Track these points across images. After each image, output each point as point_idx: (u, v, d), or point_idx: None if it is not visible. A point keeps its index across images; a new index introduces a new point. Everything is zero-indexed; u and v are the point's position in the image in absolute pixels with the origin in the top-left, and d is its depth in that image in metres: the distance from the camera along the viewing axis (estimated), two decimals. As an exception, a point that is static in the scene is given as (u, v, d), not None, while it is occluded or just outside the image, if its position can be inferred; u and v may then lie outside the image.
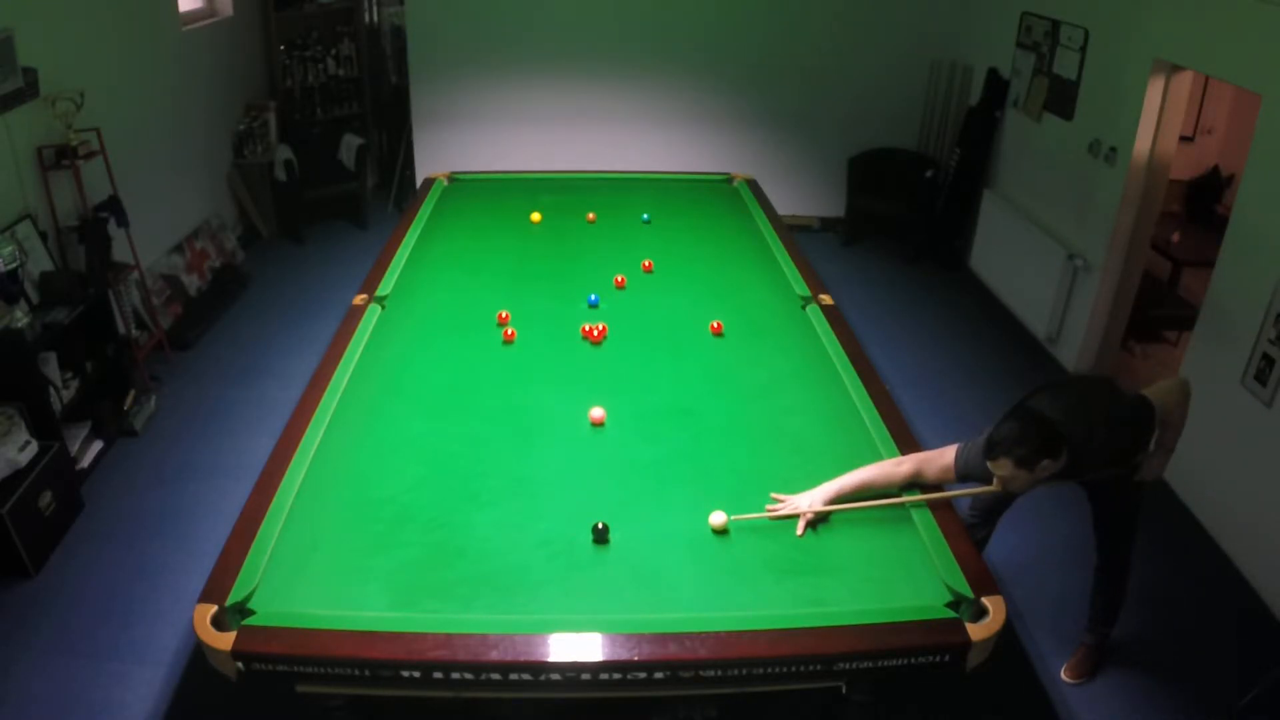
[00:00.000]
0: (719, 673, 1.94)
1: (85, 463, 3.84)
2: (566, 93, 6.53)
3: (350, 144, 6.69)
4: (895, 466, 2.42)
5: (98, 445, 3.95)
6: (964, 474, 2.42)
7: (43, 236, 3.95)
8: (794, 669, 1.94)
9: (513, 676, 1.92)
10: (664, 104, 6.56)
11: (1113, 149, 4.53)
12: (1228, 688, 2.95)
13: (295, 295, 5.62)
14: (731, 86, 6.52)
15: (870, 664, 1.95)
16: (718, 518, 2.30)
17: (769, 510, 2.33)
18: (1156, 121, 4.30)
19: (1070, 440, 2.30)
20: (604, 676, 1.92)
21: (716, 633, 1.95)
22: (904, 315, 5.56)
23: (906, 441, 2.67)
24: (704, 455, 2.62)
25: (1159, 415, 2.50)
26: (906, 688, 2.84)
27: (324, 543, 2.24)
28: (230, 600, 2.01)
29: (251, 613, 2.00)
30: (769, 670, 1.95)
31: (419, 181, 6.31)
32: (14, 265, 3.53)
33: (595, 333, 3.25)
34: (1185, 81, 4.23)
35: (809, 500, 2.33)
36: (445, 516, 2.34)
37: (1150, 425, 2.50)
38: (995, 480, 2.31)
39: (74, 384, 3.86)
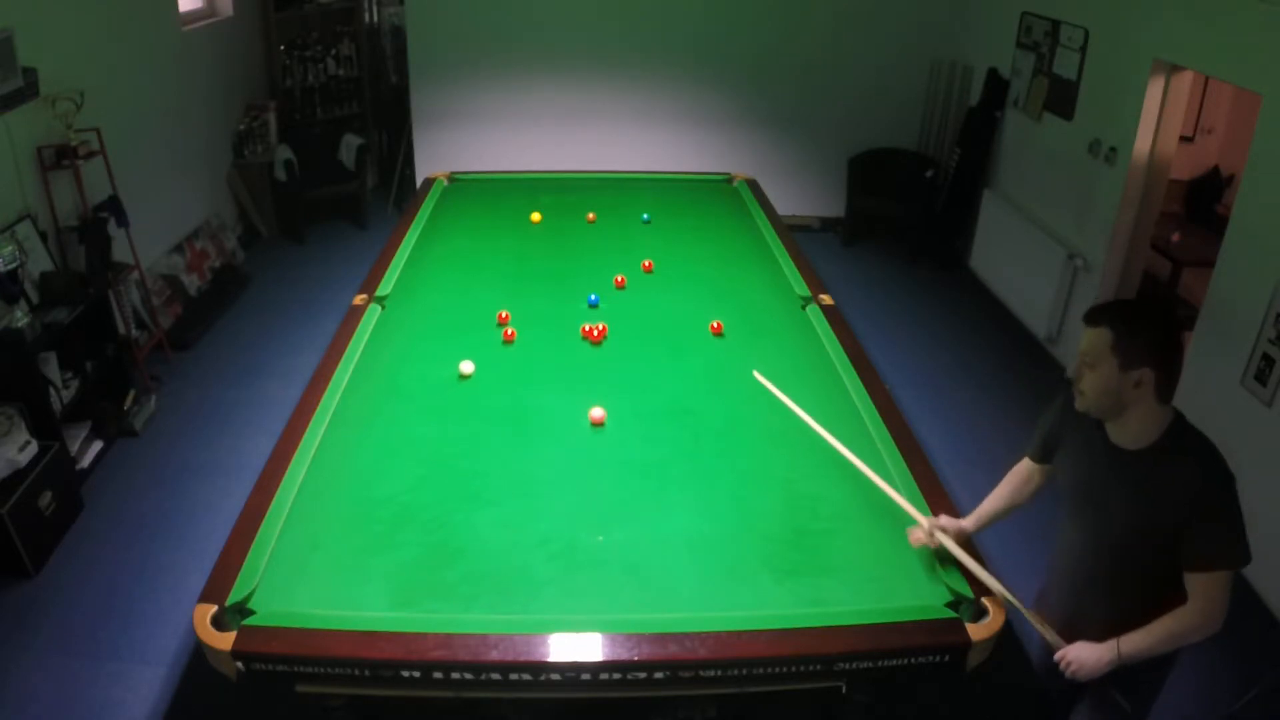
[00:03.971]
0: (719, 673, 1.94)
1: (85, 463, 3.84)
2: (566, 93, 6.53)
3: (350, 144, 6.70)
4: (1013, 478, 2.17)
5: (98, 445, 3.95)
6: (1036, 442, 2.08)
7: (43, 236, 3.95)
8: (794, 669, 1.94)
9: (513, 676, 1.92)
10: (664, 104, 6.56)
11: (1113, 149, 4.53)
12: (1227, 688, 2.95)
13: (295, 295, 5.62)
14: (732, 86, 6.52)
15: (870, 664, 1.95)
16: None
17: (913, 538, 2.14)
18: (1156, 121, 4.30)
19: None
20: (604, 676, 1.92)
21: (716, 633, 1.95)
22: (904, 315, 5.56)
23: (907, 441, 2.67)
24: (704, 455, 2.62)
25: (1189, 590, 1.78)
26: (906, 688, 2.84)
27: (324, 543, 2.24)
28: (230, 600, 2.01)
29: (251, 613, 2.00)
30: (769, 670, 1.95)
31: (419, 181, 6.31)
32: (14, 265, 3.52)
33: (595, 333, 3.25)
34: (1185, 81, 4.23)
35: (943, 526, 2.12)
36: (445, 516, 2.34)
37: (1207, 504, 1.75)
38: (1076, 363, 1.79)
39: (74, 384, 3.85)
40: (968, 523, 2.17)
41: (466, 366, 3.02)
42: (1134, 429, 1.79)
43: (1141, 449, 1.79)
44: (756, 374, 2.46)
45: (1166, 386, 1.73)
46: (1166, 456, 1.76)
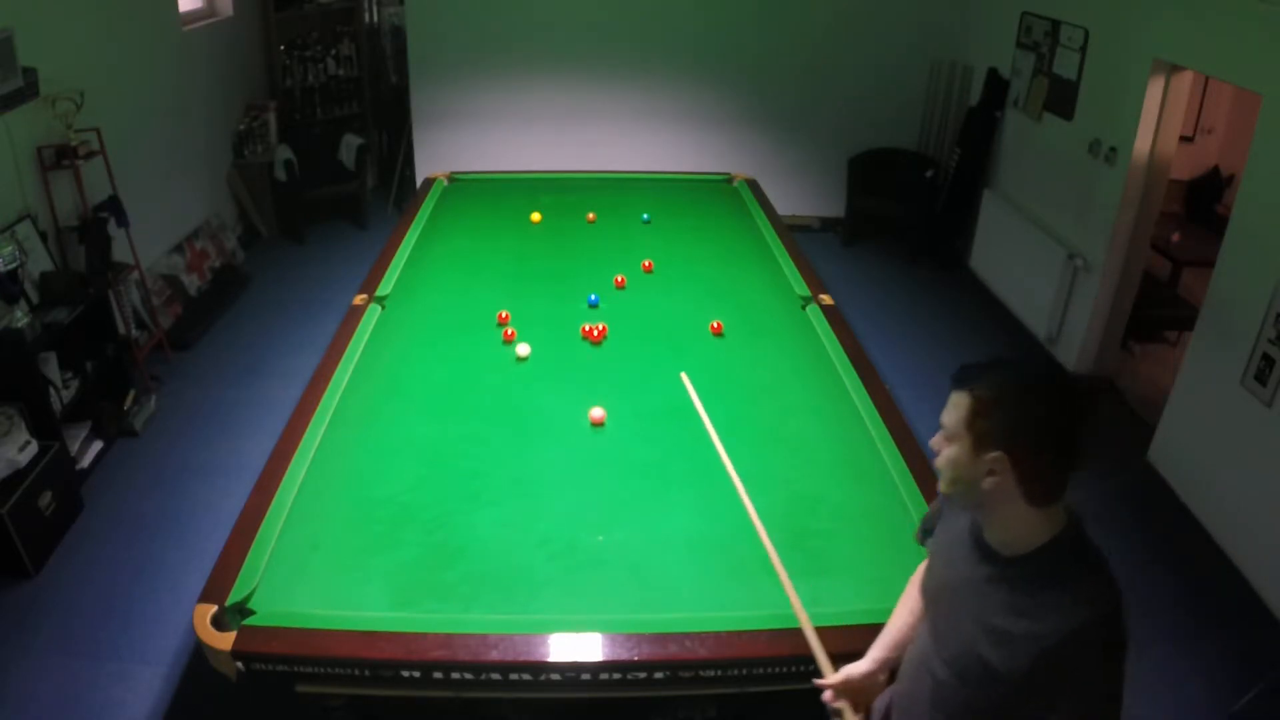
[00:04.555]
0: (719, 673, 1.94)
1: (85, 463, 3.84)
2: (567, 92, 6.53)
3: (350, 144, 6.70)
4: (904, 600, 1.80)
5: (98, 445, 3.95)
6: (925, 523, 1.83)
7: (43, 236, 3.95)
8: (794, 669, 1.94)
9: (513, 676, 1.92)
10: (664, 104, 6.56)
11: (1113, 149, 4.53)
12: (1227, 688, 2.95)
13: (295, 295, 5.62)
14: (732, 86, 6.52)
15: (870, 664, 1.95)
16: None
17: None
18: (1156, 121, 4.30)
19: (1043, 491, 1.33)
20: (604, 676, 1.92)
21: (716, 633, 1.95)
22: (904, 315, 5.56)
23: (906, 441, 2.67)
24: (704, 455, 2.62)
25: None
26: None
27: (324, 543, 2.24)
28: (230, 600, 2.01)
29: (251, 613, 2.00)
30: (769, 670, 1.95)
31: (419, 181, 6.31)
32: (14, 265, 3.53)
33: (595, 333, 3.25)
34: (1185, 81, 4.23)
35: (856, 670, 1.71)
36: (445, 516, 2.34)
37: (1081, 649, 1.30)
38: (938, 436, 1.43)
39: (74, 384, 3.85)
40: (867, 664, 1.72)
41: (523, 349, 3.14)
42: (1005, 530, 1.38)
43: (1015, 556, 1.37)
44: (684, 376, 2.35)
45: (1035, 486, 1.31)
46: (1042, 577, 1.34)
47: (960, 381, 1.37)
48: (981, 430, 1.32)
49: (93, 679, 2.87)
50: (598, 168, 5.73)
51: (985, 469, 1.32)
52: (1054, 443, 1.29)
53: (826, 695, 1.66)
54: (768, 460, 2.59)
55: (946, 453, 1.38)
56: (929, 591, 1.58)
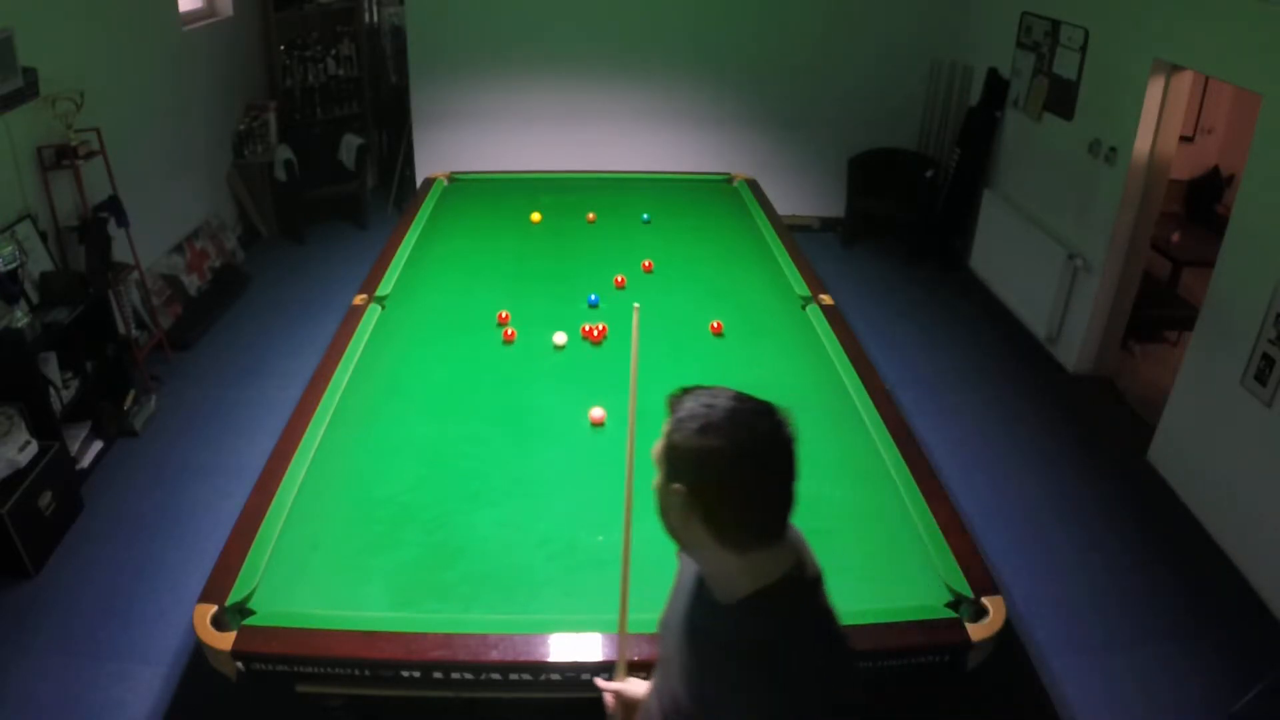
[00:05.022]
0: (719, 673, 1.94)
1: (85, 463, 3.84)
2: (567, 92, 6.53)
3: (350, 144, 6.70)
4: None
5: (98, 445, 3.95)
6: None
7: (43, 236, 3.95)
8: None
9: (513, 676, 1.92)
10: (665, 104, 6.56)
11: (1113, 149, 4.53)
12: (1226, 688, 2.95)
13: (295, 295, 5.62)
14: (732, 86, 6.52)
15: (870, 664, 1.95)
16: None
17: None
18: (1156, 121, 4.30)
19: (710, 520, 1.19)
20: (604, 676, 1.92)
21: (716, 633, 1.95)
22: (904, 315, 5.56)
23: (906, 441, 2.67)
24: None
25: None
26: (907, 688, 2.84)
27: (324, 543, 2.24)
28: (230, 600, 2.01)
29: (251, 613, 2.00)
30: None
31: (419, 181, 6.31)
32: (14, 265, 3.53)
33: (595, 333, 3.25)
34: (1185, 81, 4.23)
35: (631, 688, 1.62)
36: (445, 516, 2.34)
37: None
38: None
39: (74, 384, 3.85)
40: (644, 688, 1.59)
41: (560, 338, 3.21)
42: (710, 573, 1.27)
43: (724, 604, 1.24)
44: (635, 307, 2.09)
45: (723, 530, 1.19)
46: (734, 633, 1.21)
47: (667, 405, 1.24)
48: (670, 459, 1.19)
49: (93, 679, 2.87)
50: (598, 168, 5.72)
51: (675, 503, 1.19)
52: (739, 483, 1.17)
53: (607, 699, 1.62)
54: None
55: (654, 481, 1.25)
56: (659, 628, 1.46)
